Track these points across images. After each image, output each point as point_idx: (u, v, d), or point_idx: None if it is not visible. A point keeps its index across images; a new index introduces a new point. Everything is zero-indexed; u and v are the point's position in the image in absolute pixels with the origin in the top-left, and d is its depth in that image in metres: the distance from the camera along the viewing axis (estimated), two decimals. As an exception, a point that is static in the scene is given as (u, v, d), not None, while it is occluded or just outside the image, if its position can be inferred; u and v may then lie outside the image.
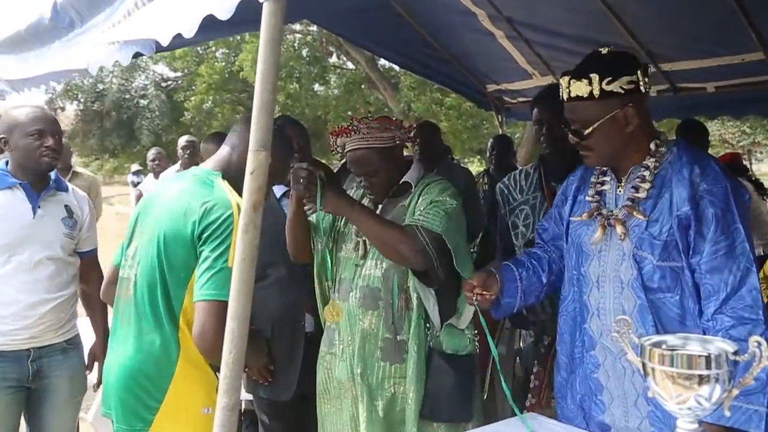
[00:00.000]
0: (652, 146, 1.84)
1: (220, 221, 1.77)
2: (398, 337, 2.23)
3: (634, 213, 1.80)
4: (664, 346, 1.22)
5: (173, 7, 1.57)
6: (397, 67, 11.14)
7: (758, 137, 18.06)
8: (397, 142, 2.32)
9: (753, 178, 5.54)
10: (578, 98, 1.79)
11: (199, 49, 16.55)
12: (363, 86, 14.81)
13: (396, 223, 2.21)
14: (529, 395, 2.66)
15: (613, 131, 1.79)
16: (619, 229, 1.81)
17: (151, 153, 6.78)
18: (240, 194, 2.28)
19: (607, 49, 1.83)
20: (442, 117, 11.79)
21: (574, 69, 1.83)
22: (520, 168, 3.05)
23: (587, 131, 1.80)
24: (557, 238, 2.12)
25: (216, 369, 1.86)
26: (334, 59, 15.28)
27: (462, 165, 7.84)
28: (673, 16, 3.72)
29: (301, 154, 2.47)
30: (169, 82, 19.26)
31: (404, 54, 5.25)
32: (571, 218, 1.98)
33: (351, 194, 2.44)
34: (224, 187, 1.90)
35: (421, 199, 2.26)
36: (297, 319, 2.67)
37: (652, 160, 1.82)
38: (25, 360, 2.57)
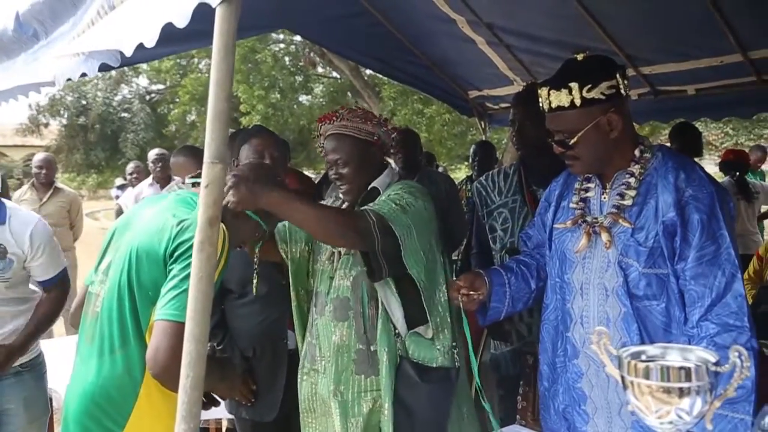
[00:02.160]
0: (637, 152, 1.81)
1: (193, 240, 1.70)
2: (371, 348, 2.14)
3: (620, 220, 1.77)
4: (643, 357, 1.18)
5: (134, 16, 1.52)
6: (381, 76, 11.14)
7: (741, 139, 18.20)
8: (375, 139, 2.23)
9: (736, 178, 5.57)
10: (560, 108, 1.76)
11: (182, 60, 16.50)
12: (348, 95, 14.79)
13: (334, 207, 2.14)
14: (518, 416, 2.60)
15: (598, 138, 1.76)
16: (604, 236, 1.78)
17: (130, 166, 6.73)
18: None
19: (582, 55, 1.79)
20: (423, 127, 11.77)
21: (552, 79, 1.80)
22: (498, 168, 2.98)
23: (572, 141, 1.77)
24: (540, 245, 2.09)
25: None
26: (318, 68, 15.27)
27: (444, 172, 7.83)
28: (651, 19, 3.72)
29: (273, 163, 2.38)
30: (153, 95, 19.17)
31: (386, 62, 5.23)
32: (554, 225, 1.94)
33: (330, 203, 2.39)
34: None
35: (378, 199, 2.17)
36: (280, 336, 2.58)
37: (637, 166, 1.80)
38: None
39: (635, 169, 1.80)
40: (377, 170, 2.27)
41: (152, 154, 5.98)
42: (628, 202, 1.77)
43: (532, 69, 4.68)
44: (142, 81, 19.05)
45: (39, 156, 5.81)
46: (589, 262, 1.83)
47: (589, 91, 1.71)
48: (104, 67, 2.00)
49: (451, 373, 2.18)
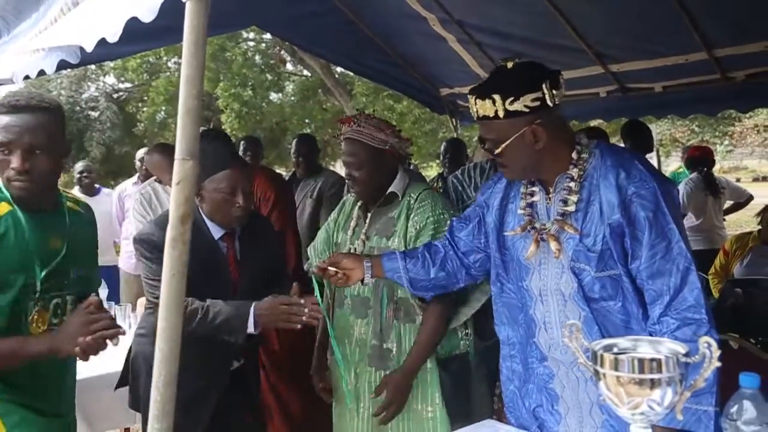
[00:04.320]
0: (574, 155, 1.79)
1: None
2: (384, 345, 2.35)
3: (566, 227, 1.76)
4: (615, 350, 1.20)
5: (97, 12, 1.50)
6: (352, 74, 11.11)
7: (706, 136, 18.55)
8: (388, 147, 2.37)
9: (704, 174, 5.67)
10: (486, 117, 1.74)
11: (150, 59, 16.26)
12: (319, 92, 14.73)
13: (430, 322, 2.29)
14: (495, 398, 2.60)
15: (523, 149, 1.75)
16: (553, 245, 1.77)
17: (79, 166, 6.51)
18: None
19: (512, 63, 1.78)
20: (394, 123, 11.81)
21: (479, 87, 1.78)
22: (475, 162, 2.97)
23: (498, 150, 1.77)
24: (472, 251, 2.06)
25: None
26: (289, 66, 15.18)
27: (415, 170, 7.83)
28: (620, 18, 3.77)
29: (246, 199, 2.37)
30: (121, 93, 18.86)
31: (357, 60, 5.21)
32: (505, 233, 1.93)
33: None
34: None
35: (415, 216, 2.33)
36: (227, 357, 2.46)
37: (576, 169, 1.78)
38: None
39: (573, 172, 1.78)
40: (391, 175, 2.41)
41: (139, 153, 5.92)
42: (571, 208, 1.76)
43: (503, 67, 4.70)
44: (109, 79, 18.73)
45: None
46: (544, 268, 1.83)
47: (511, 103, 1.69)
48: (64, 65, 1.96)
49: (470, 356, 2.46)
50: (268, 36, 12.91)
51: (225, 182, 2.31)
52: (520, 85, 1.71)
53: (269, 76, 14.48)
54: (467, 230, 2.07)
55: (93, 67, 15.99)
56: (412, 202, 2.36)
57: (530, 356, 1.91)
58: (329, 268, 2.07)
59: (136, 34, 1.71)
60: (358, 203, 2.51)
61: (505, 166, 1.82)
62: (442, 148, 5.25)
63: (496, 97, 1.70)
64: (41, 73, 1.99)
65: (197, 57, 1.14)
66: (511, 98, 1.69)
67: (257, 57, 14.37)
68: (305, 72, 14.76)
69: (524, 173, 1.85)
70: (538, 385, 1.90)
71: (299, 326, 2.19)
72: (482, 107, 1.74)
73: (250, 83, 13.62)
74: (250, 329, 2.21)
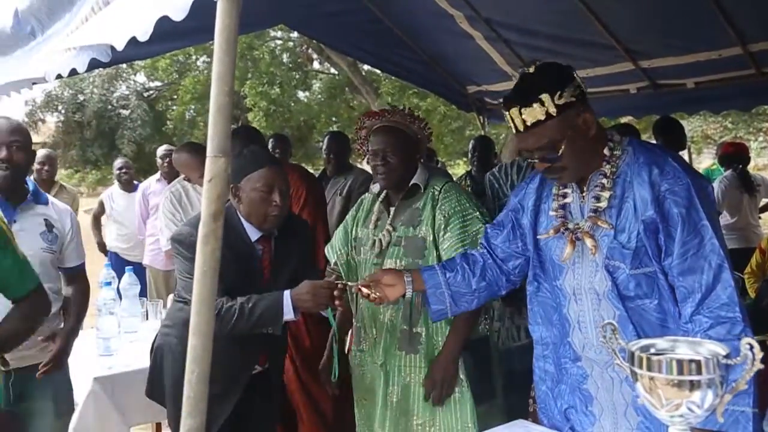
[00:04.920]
0: (606, 151, 1.78)
1: None
2: (414, 330, 2.41)
3: (599, 223, 1.74)
4: (652, 350, 1.17)
5: (128, 11, 1.51)
6: (380, 72, 11.12)
7: (740, 132, 18.20)
8: (418, 137, 2.47)
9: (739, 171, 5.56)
10: (536, 123, 1.70)
11: (180, 57, 16.45)
12: (346, 90, 14.77)
13: (464, 316, 2.29)
14: (530, 401, 2.59)
15: (579, 141, 1.73)
16: (588, 242, 1.75)
17: (118, 162, 6.65)
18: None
19: (534, 66, 1.76)
20: (419, 122, 11.78)
21: (517, 97, 1.73)
22: (513, 160, 2.96)
23: (561, 151, 1.72)
24: (511, 257, 2.03)
25: None
26: (316, 65, 15.24)
27: (442, 168, 7.81)
28: (651, 13, 3.71)
29: (282, 198, 2.42)
30: (151, 92, 19.11)
31: (384, 58, 5.21)
32: (538, 236, 1.91)
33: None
34: None
35: (442, 205, 2.40)
36: (250, 361, 2.50)
37: (608, 165, 1.77)
38: (6, 382, 2.41)
39: (606, 168, 1.77)
40: (415, 168, 2.47)
41: (160, 150, 5.97)
42: (603, 204, 1.74)
43: (531, 64, 4.67)
44: (140, 78, 18.98)
45: (41, 152, 5.66)
46: (578, 267, 1.81)
47: (560, 98, 1.68)
48: (95, 64, 1.98)
49: (489, 341, 2.62)
50: (295, 34, 12.98)
51: (262, 181, 2.33)
52: (559, 79, 1.71)
53: (296, 75, 14.56)
54: (503, 236, 2.05)
55: (124, 66, 16.22)
56: (436, 193, 2.42)
57: (563, 356, 1.89)
58: (363, 288, 2.06)
59: (165, 33, 1.72)
60: (379, 198, 2.54)
61: (564, 169, 1.77)
62: (471, 146, 5.22)
63: (545, 96, 1.68)
64: (73, 71, 2.01)
65: (228, 55, 1.15)
66: (559, 92, 1.68)
67: (285, 55, 14.45)
68: (332, 70, 14.80)
69: (580, 171, 1.80)
70: (571, 385, 1.88)
71: (341, 308, 2.31)
72: (530, 114, 1.70)
73: (277, 81, 13.70)
74: (289, 316, 2.26)
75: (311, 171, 5.26)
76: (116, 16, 1.57)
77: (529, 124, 1.71)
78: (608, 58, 4.28)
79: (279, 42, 14.39)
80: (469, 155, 5.18)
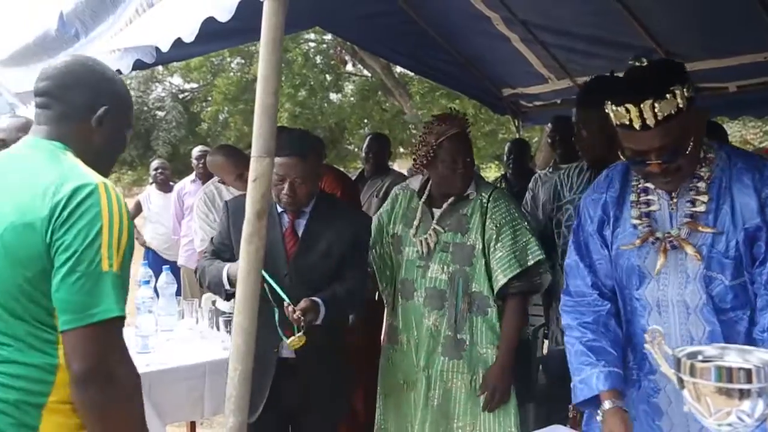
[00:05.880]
0: (701, 154, 1.68)
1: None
2: (458, 336, 2.48)
3: (701, 228, 1.63)
4: (700, 357, 1.14)
5: (173, 11, 1.53)
6: (412, 74, 11.09)
7: (780, 138, 17.75)
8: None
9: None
10: (668, 118, 1.56)
11: (214, 59, 16.61)
12: (379, 93, 14.77)
13: (512, 317, 2.50)
14: (570, 406, 2.53)
15: (697, 140, 1.64)
16: (689, 250, 1.63)
17: (155, 164, 6.77)
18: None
19: (646, 61, 1.63)
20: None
21: (648, 89, 1.56)
22: (577, 163, 2.94)
23: (690, 147, 1.59)
24: (610, 275, 1.83)
25: None
26: (349, 67, 15.27)
27: (476, 171, 7.76)
28: (692, 14, 3.63)
29: (292, 188, 2.53)
30: (186, 94, 19.34)
31: (418, 59, 5.19)
32: (622, 248, 1.76)
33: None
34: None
35: (492, 214, 2.48)
36: (270, 341, 2.44)
37: (705, 169, 1.66)
38: None
39: (703, 172, 1.67)
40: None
41: (195, 151, 6.06)
42: (701, 208, 1.64)
43: (568, 66, 4.61)
44: (175, 80, 19.22)
45: None
46: (664, 277, 1.68)
47: (689, 90, 1.57)
48: (139, 65, 2.01)
49: (529, 344, 2.77)
50: (328, 36, 13.02)
51: (277, 168, 2.38)
52: (682, 71, 1.61)
53: (328, 77, 14.60)
54: (604, 269, 1.84)
55: (160, 68, 16.44)
56: (484, 201, 2.49)
57: (632, 368, 1.79)
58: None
59: (208, 34, 1.74)
60: (421, 199, 2.58)
61: (679, 171, 1.64)
62: (506, 149, 5.19)
63: (677, 89, 1.55)
64: (117, 72, 2.05)
65: (274, 55, 1.15)
66: (687, 84, 1.58)
67: (318, 58, 14.51)
68: (365, 72, 14.83)
69: (691, 172, 1.68)
70: (638, 397, 1.78)
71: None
72: (663, 108, 1.55)
73: (308, 84, 13.75)
74: (227, 286, 2.40)
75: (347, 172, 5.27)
76: (161, 18, 1.60)
77: (660, 118, 1.56)
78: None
79: (312, 44, 14.45)
80: (505, 158, 5.15)
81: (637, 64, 1.65)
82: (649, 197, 1.75)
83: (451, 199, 2.51)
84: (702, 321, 1.65)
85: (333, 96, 15.53)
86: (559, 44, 4.38)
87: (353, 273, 2.50)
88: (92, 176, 1.42)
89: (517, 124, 5.68)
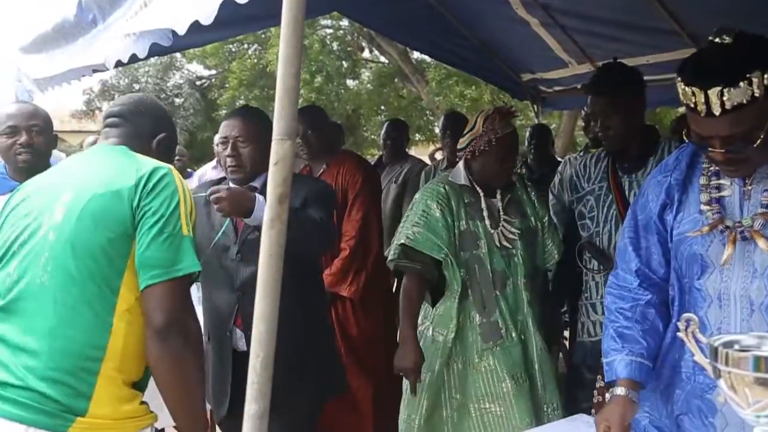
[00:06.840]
0: None
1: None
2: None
3: None
4: (736, 347, 1.11)
5: (190, -6, 1.51)
6: (429, 60, 11.01)
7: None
8: None
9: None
10: (738, 107, 1.43)
11: (231, 46, 16.62)
12: (395, 79, 14.71)
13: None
14: (595, 392, 2.50)
15: None
16: (761, 243, 1.52)
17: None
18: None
19: (731, 36, 1.46)
20: (465, 110, 11.62)
21: (719, 75, 1.44)
22: (592, 153, 2.93)
23: (761, 138, 1.46)
24: (664, 263, 1.74)
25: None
26: (366, 53, 15.21)
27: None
28: (719, -3, 3.56)
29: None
30: (203, 80, 19.38)
31: (436, 45, 5.15)
32: (688, 234, 1.65)
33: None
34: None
35: (535, 197, 2.73)
36: (225, 327, 2.44)
37: None
38: None
39: None
40: None
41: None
42: None
43: (588, 51, 4.54)
44: (192, 67, 19.27)
45: (90, 140, 5.84)
46: (728, 269, 1.58)
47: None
48: (156, 50, 1.99)
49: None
50: (345, 23, 12.96)
51: (220, 131, 2.50)
52: (764, 55, 1.45)
53: (345, 64, 14.55)
54: (656, 258, 1.76)
55: (178, 55, 16.48)
56: (521, 181, 2.76)
57: (686, 359, 1.69)
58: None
59: (226, 19, 1.71)
60: (481, 193, 2.61)
61: (747, 161, 1.52)
62: (527, 134, 5.14)
63: (755, 76, 1.41)
64: (133, 57, 2.03)
65: (295, 35, 1.13)
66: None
67: (335, 44, 14.46)
68: (382, 58, 14.76)
69: (763, 161, 1.57)
70: (691, 392, 1.69)
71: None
72: (734, 96, 1.41)
73: (325, 70, 13.72)
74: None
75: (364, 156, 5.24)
76: (178, 1, 1.58)
77: (728, 107, 1.43)
78: (671, 44, 4.11)
79: (329, 31, 14.40)
80: (527, 144, 5.09)
81: (717, 40, 1.49)
82: (721, 181, 1.64)
83: (505, 190, 2.66)
84: (766, 319, 1.53)
85: (350, 82, 15.48)
86: (580, 28, 4.31)
87: (316, 212, 2.35)
88: (163, 164, 1.74)
89: (536, 109, 5.62)
